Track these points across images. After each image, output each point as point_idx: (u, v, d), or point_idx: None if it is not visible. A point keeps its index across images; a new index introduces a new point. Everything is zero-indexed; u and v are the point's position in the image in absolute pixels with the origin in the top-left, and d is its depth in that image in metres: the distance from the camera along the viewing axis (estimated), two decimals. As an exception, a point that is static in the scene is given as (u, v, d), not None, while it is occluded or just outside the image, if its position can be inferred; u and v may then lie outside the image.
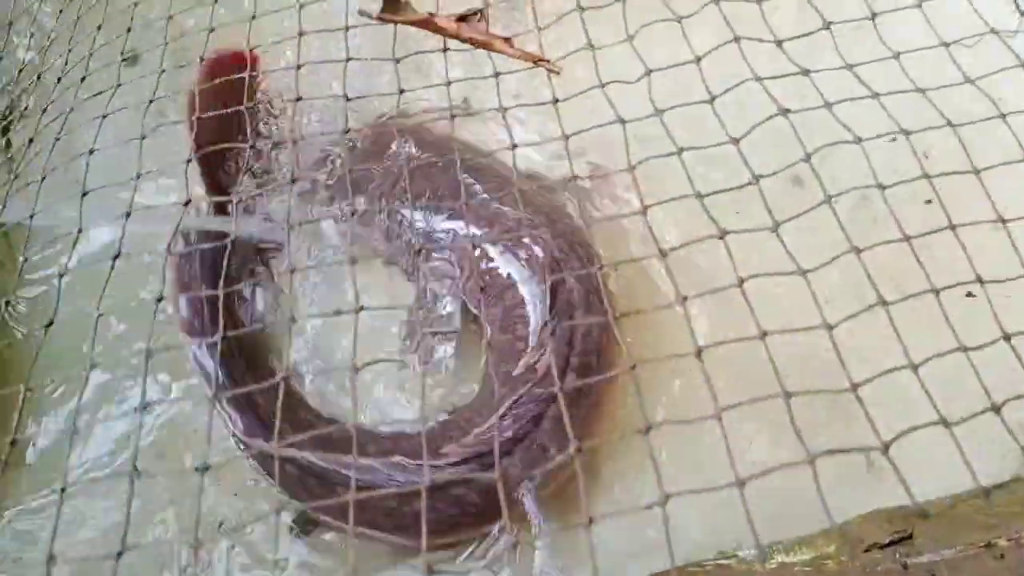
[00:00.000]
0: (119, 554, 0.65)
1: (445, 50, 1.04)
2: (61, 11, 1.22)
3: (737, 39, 0.96)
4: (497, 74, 1.01)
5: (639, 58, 0.97)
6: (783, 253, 0.80)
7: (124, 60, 1.11)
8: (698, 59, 0.96)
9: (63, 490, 0.71)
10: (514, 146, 0.91)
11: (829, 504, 0.65)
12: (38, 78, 1.18)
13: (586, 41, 1.00)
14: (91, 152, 0.98)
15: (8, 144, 1.33)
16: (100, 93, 1.06)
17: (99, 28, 1.16)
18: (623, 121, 0.92)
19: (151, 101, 1.02)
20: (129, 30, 1.13)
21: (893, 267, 0.80)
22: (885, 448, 0.67)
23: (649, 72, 0.96)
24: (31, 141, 1.06)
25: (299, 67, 0.98)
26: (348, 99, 0.98)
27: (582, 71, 1.01)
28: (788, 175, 0.87)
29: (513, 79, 1.02)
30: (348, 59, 1.02)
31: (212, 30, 1.07)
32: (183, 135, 1.04)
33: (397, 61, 1.03)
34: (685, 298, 0.77)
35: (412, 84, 0.99)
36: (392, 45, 1.04)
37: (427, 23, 1.02)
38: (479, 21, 1.03)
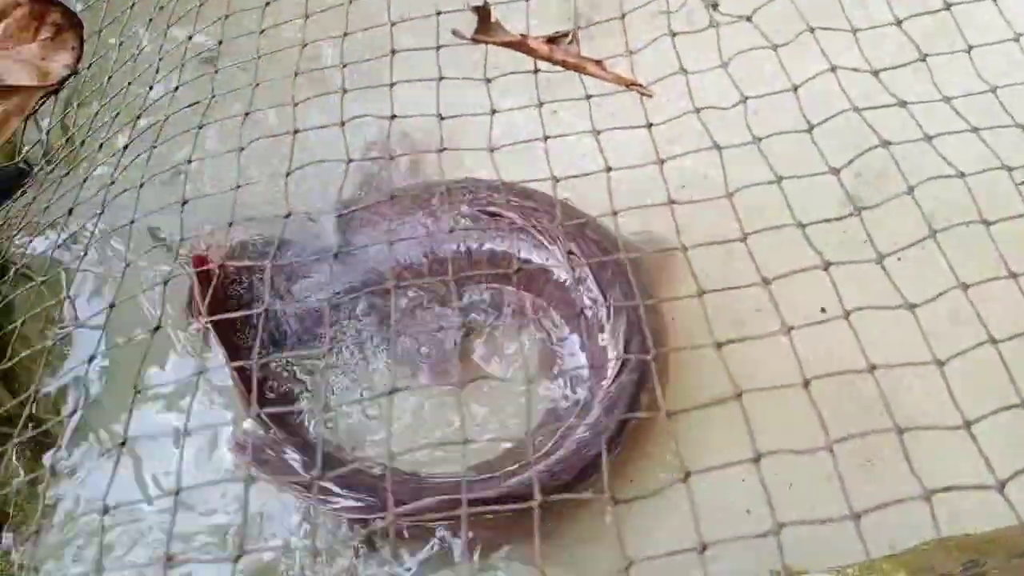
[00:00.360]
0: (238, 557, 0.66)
1: (536, 72, 1.05)
2: (151, 20, 1.24)
3: (833, 68, 0.97)
4: (589, 96, 1.02)
5: (734, 85, 0.98)
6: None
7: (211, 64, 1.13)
8: (795, 88, 0.96)
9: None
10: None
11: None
12: (128, 85, 1.19)
13: (678, 67, 1.01)
14: (189, 162, 1.00)
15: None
16: (196, 103, 1.08)
17: (189, 39, 1.19)
18: (719, 147, 0.93)
19: (247, 113, 1.03)
20: (220, 42, 1.15)
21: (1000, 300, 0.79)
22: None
23: (745, 99, 0.97)
24: (125, 148, 1.08)
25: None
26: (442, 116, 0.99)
27: (665, 96, 1.03)
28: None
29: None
30: (440, 78, 1.04)
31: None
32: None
33: (488, 81, 1.04)
34: (791, 328, 0.77)
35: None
36: (484, 66, 1.06)
37: (520, 45, 1.03)
38: (570, 43, 1.04)
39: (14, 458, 1.35)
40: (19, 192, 1.23)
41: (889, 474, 1.04)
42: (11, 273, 1.14)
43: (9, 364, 1.06)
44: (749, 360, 0.80)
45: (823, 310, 0.82)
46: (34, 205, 1.16)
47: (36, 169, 1.25)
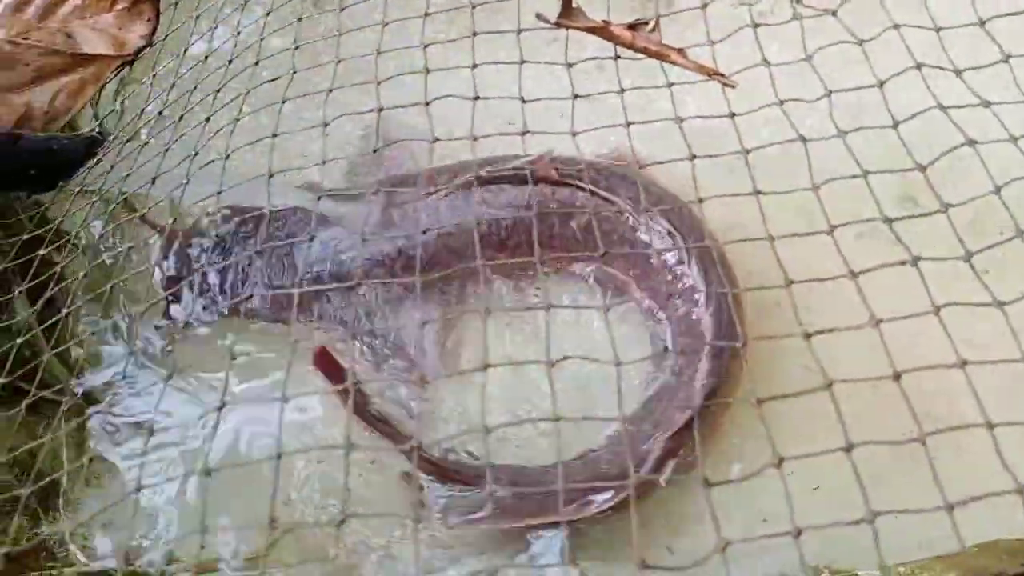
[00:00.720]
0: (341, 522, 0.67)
1: (617, 58, 1.06)
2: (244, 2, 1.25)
3: (919, 66, 0.97)
4: (671, 84, 1.03)
5: (819, 78, 0.99)
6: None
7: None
8: (881, 83, 0.96)
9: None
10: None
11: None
12: (205, 59, 1.21)
13: (760, 58, 1.02)
14: (274, 136, 1.02)
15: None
16: (276, 79, 1.09)
17: (267, 14, 1.20)
18: (804, 139, 0.93)
19: (330, 90, 1.05)
20: (300, 19, 1.16)
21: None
22: None
23: (829, 92, 0.97)
24: (208, 119, 1.10)
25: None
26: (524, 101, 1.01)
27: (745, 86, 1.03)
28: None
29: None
30: (522, 61, 1.05)
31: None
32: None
33: (570, 66, 1.05)
34: (879, 321, 0.78)
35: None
36: (564, 51, 1.06)
37: (603, 31, 1.04)
38: (652, 31, 1.05)
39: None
40: (93, 160, 1.25)
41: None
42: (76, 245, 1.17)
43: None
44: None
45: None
46: (112, 174, 1.17)
47: (111, 138, 1.27)
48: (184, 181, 1.03)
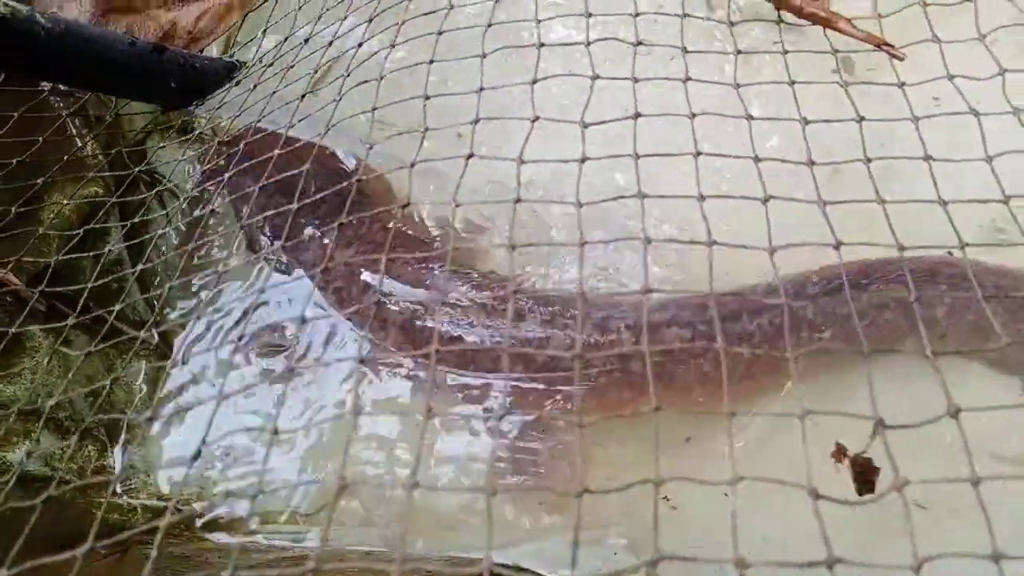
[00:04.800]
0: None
1: (780, 22, 1.05)
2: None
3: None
4: (836, 51, 1.01)
5: (992, 57, 0.97)
6: None
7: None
8: (1062, 66, 0.94)
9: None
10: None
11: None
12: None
13: (930, 35, 1.00)
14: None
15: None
16: (432, 12, 1.10)
17: None
18: (977, 114, 0.91)
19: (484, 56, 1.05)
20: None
21: None
22: None
23: (1003, 71, 0.95)
24: (360, 45, 1.10)
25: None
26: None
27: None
28: None
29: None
30: (638, 43, 1.04)
31: None
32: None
33: (732, 25, 1.05)
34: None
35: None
36: (727, 9, 1.06)
37: (771, -8, 1.03)
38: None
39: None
40: (231, 83, 1.26)
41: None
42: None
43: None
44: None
45: None
46: (252, 95, 1.18)
47: (249, 66, 1.28)
48: (337, 99, 1.02)
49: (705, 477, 0.63)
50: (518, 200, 0.86)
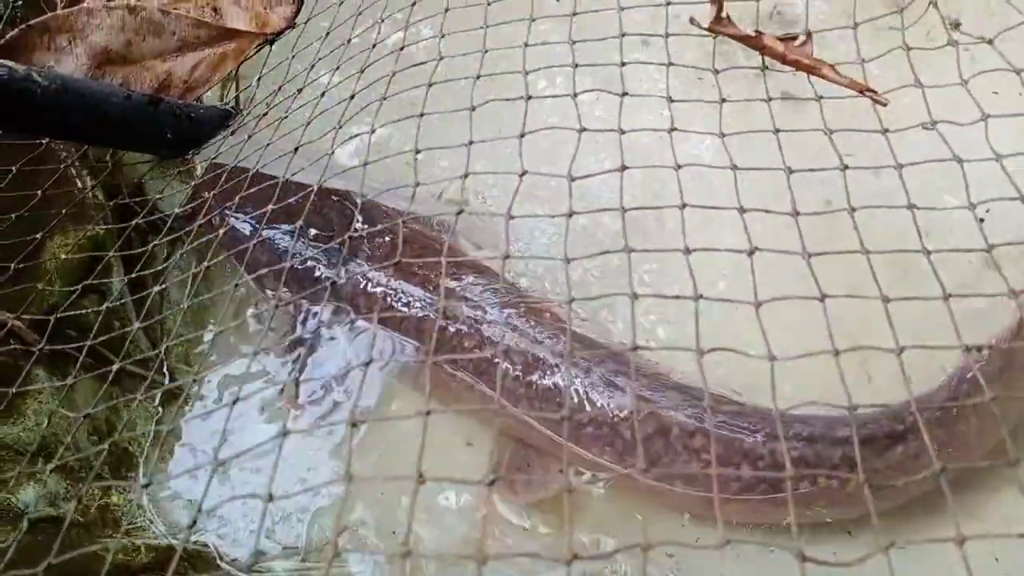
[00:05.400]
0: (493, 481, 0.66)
1: (764, 68, 1.07)
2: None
3: (1081, 98, 0.96)
4: (820, 98, 1.03)
5: (975, 102, 0.98)
6: None
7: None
8: (1042, 111, 0.95)
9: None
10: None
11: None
12: (348, 41, 1.23)
13: (913, 79, 1.01)
14: (421, 115, 1.03)
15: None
16: (422, 63, 1.11)
17: (412, 4, 1.22)
18: (960, 160, 0.92)
19: (478, 76, 1.06)
20: (447, 9, 1.18)
21: None
22: None
23: (986, 117, 0.96)
24: (352, 97, 1.12)
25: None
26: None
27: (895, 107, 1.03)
28: None
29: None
30: (669, 63, 1.06)
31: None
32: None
33: (716, 72, 1.06)
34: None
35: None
36: (712, 58, 1.07)
37: (755, 40, 1.05)
38: (803, 45, 1.05)
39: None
40: (227, 131, 1.28)
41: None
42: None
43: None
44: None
45: None
46: (249, 144, 1.20)
47: (245, 113, 1.30)
48: (329, 152, 1.04)
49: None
50: (507, 256, 0.87)
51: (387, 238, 1.23)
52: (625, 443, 1.10)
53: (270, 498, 0.68)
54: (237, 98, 1.33)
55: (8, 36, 1.24)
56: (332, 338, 1.25)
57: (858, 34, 1.08)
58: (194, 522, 0.69)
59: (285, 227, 1.25)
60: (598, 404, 1.11)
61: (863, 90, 1.00)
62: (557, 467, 1.11)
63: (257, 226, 1.25)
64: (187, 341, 1.45)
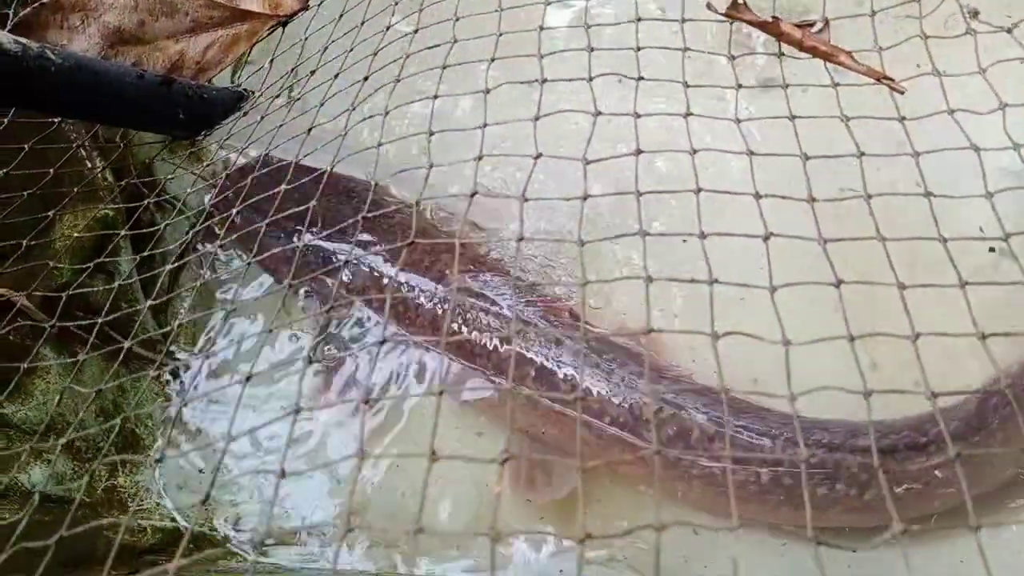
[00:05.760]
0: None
1: (780, 55, 1.06)
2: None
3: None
4: (836, 84, 1.02)
5: (992, 91, 0.97)
6: None
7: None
8: (1059, 101, 0.95)
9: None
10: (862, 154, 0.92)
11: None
12: (362, 24, 1.23)
13: (931, 68, 1.00)
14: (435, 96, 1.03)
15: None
16: (436, 46, 1.11)
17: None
18: (977, 149, 0.92)
19: (492, 59, 1.06)
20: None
21: None
22: None
23: (1004, 106, 0.95)
24: (366, 79, 1.11)
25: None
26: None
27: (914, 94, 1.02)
28: None
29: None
30: (685, 48, 1.05)
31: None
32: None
33: (732, 58, 1.06)
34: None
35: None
36: (728, 44, 1.07)
37: (772, 26, 1.04)
38: (820, 32, 1.04)
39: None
40: (239, 113, 1.28)
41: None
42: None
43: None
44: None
45: None
46: (261, 125, 1.20)
47: (256, 95, 1.30)
48: (342, 134, 1.04)
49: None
50: (521, 239, 0.87)
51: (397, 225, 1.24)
52: (645, 439, 1.11)
53: (283, 474, 0.68)
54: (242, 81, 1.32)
55: (21, 14, 1.24)
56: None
57: (872, 22, 1.08)
58: (207, 497, 0.69)
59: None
60: (620, 403, 1.12)
61: (880, 77, 0.99)
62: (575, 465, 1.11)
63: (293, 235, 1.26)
64: (193, 324, 1.45)
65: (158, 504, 1.38)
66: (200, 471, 1.28)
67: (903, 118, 0.96)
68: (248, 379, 0.77)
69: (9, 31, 1.20)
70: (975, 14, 1.03)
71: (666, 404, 1.11)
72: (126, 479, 1.40)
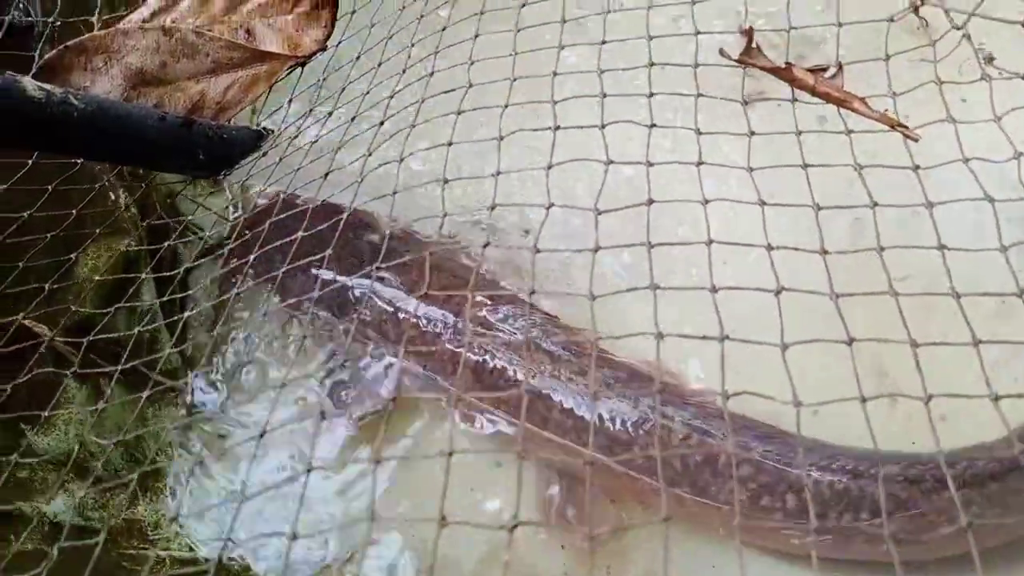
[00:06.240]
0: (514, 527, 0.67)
1: (794, 100, 1.06)
2: (403, 7, 1.28)
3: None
4: (850, 132, 1.02)
5: (1007, 139, 0.96)
6: None
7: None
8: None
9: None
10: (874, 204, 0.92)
11: None
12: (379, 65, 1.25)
13: (945, 115, 1.00)
14: (449, 144, 1.04)
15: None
16: (451, 90, 1.12)
17: (443, 29, 1.23)
18: (991, 200, 0.91)
19: (506, 106, 1.07)
20: (477, 35, 1.19)
21: None
22: None
23: (1020, 155, 0.95)
24: (382, 123, 1.13)
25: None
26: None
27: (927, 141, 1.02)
28: None
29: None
30: (698, 95, 1.06)
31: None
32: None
33: (746, 103, 1.06)
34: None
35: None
36: (741, 90, 1.07)
37: (785, 72, 1.04)
38: (833, 77, 1.05)
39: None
40: (259, 153, 1.30)
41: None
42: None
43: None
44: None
45: None
46: (281, 166, 1.21)
47: (275, 134, 1.32)
48: (358, 180, 1.05)
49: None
50: (532, 292, 0.87)
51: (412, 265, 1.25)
52: (675, 472, 1.10)
53: (294, 536, 0.69)
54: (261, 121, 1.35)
55: (47, 57, 1.27)
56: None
57: (886, 67, 1.08)
58: (220, 560, 0.70)
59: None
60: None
61: (894, 125, 0.99)
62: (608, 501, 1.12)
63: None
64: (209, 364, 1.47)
65: (177, 534, 1.39)
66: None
67: (917, 167, 0.96)
68: (262, 435, 0.78)
69: (35, 73, 1.23)
70: (990, 59, 1.03)
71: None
72: (146, 508, 1.42)
